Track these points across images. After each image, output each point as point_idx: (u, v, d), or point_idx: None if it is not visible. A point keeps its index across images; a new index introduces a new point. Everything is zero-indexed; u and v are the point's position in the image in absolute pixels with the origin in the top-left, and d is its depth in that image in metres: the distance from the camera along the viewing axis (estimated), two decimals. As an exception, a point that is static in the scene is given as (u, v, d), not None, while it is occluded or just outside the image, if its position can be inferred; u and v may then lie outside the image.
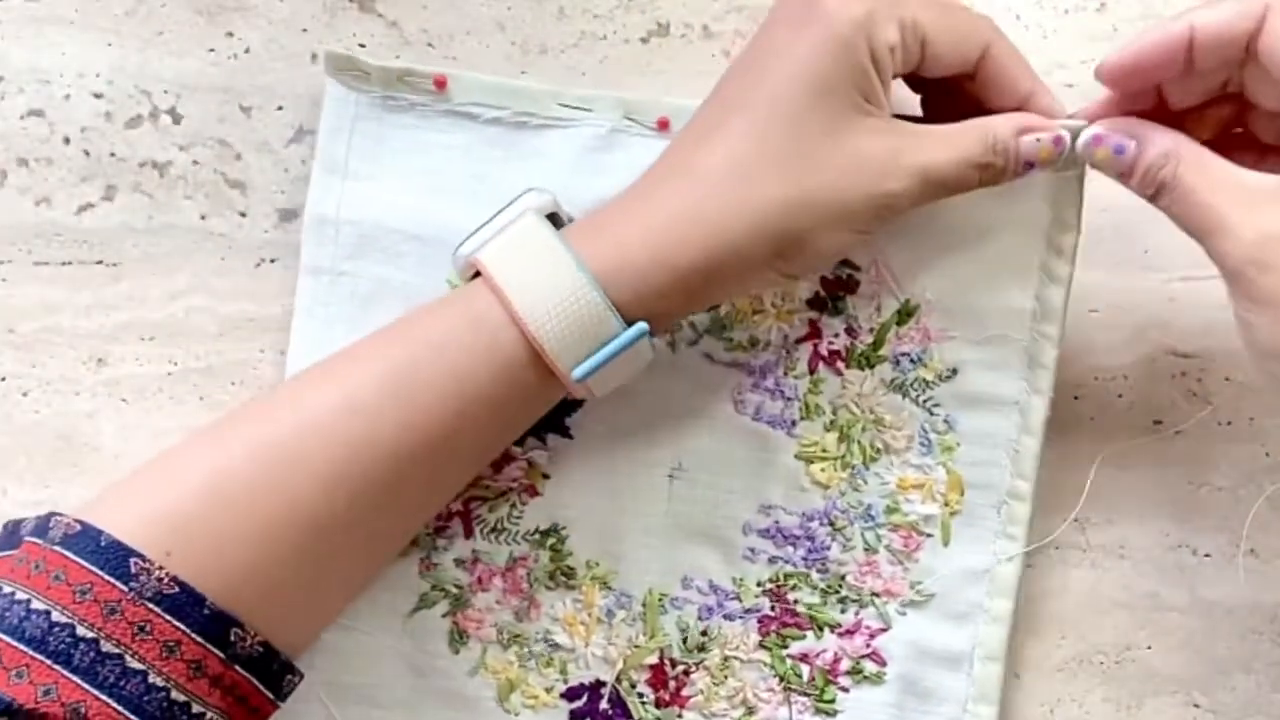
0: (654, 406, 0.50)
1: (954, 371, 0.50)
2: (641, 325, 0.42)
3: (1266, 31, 0.40)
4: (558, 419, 0.50)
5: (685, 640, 0.50)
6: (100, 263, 0.51)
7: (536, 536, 0.50)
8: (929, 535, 0.50)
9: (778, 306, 0.50)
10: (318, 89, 0.51)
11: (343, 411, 0.41)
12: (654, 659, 0.50)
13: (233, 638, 0.39)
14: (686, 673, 0.50)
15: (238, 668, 0.39)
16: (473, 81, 0.50)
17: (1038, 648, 0.52)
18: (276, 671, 0.41)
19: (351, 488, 0.41)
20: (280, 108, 0.52)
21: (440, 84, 0.50)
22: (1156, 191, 0.42)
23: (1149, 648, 0.52)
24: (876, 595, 0.50)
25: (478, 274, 0.44)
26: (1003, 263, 0.49)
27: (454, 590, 0.50)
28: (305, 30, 0.52)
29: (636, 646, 0.50)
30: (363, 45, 0.52)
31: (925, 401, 0.50)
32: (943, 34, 0.42)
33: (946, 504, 0.50)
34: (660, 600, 0.50)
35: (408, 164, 0.50)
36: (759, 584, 0.50)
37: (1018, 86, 0.44)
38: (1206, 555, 0.52)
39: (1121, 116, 0.44)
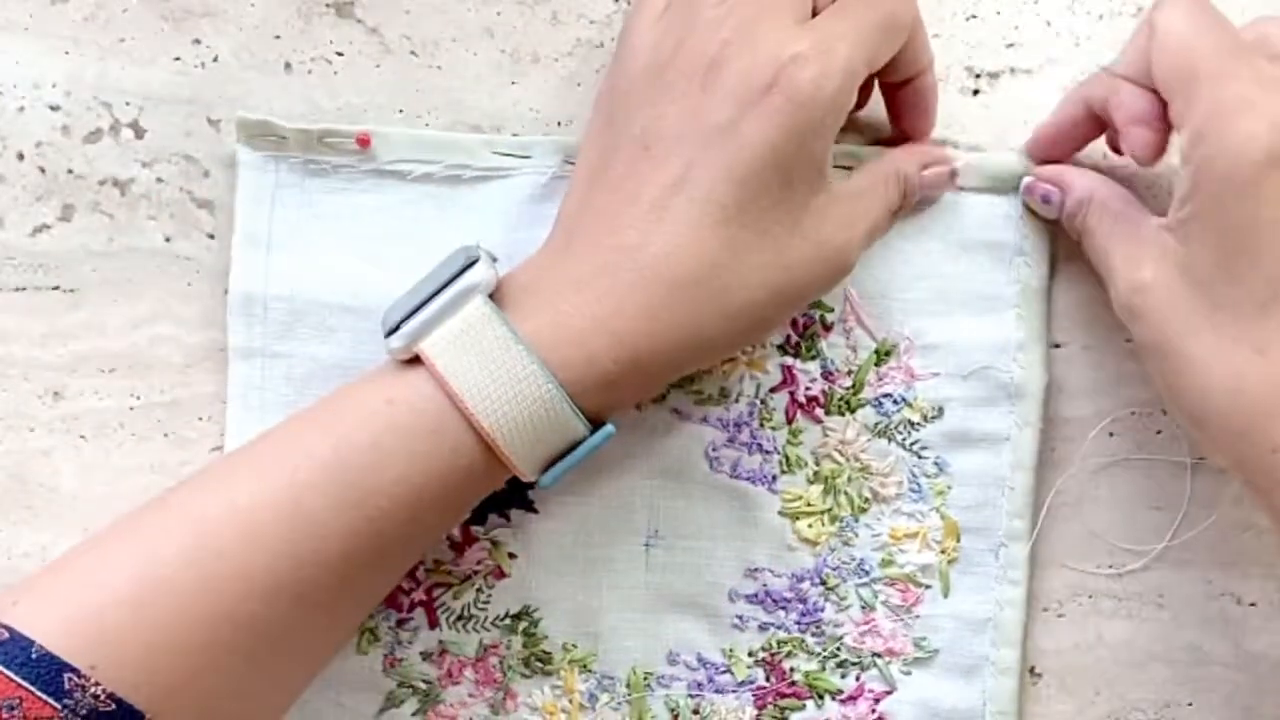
0: (624, 470, 0.48)
1: (940, 410, 0.48)
2: (609, 429, 0.42)
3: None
4: (521, 493, 0.48)
5: (677, 720, 0.49)
6: (56, 288, 0.49)
7: (507, 621, 0.48)
8: (928, 586, 0.48)
9: (748, 354, 0.48)
10: (291, 101, 0.48)
11: (285, 521, 0.39)
12: (644, 744, 0.49)
13: None
14: (681, 756, 0.49)
15: None
16: (398, 137, 0.48)
17: (1069, 704, 0.49)
18: None
19: (295, 594, 0.39)
20: (251, 121, 0.49)
21: (364, 142, 0.48)
22: (1080, 237, 0.45)
23: (1190, 705, 0.49)
24: (878, 656, 0.48)
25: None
26: (978, 292, 0.48)
27: (423, 686, 0.48)
28: (278, 37, 0.49)
29: (624, 732, 0.49)
30: (340, 54, 0.49)
31: (913, 445, 0.48)
32: (881, 69, 0.43)
33: (943, 551, 0.48)
34: (646, 680, 0.48)
35: (336, 231, 0.48)
36: (751, 654, 0.48)
37: (927, 119, 0.46)
38: (1252, 604, 0.49)
39: (1051, 165, 0.46)
